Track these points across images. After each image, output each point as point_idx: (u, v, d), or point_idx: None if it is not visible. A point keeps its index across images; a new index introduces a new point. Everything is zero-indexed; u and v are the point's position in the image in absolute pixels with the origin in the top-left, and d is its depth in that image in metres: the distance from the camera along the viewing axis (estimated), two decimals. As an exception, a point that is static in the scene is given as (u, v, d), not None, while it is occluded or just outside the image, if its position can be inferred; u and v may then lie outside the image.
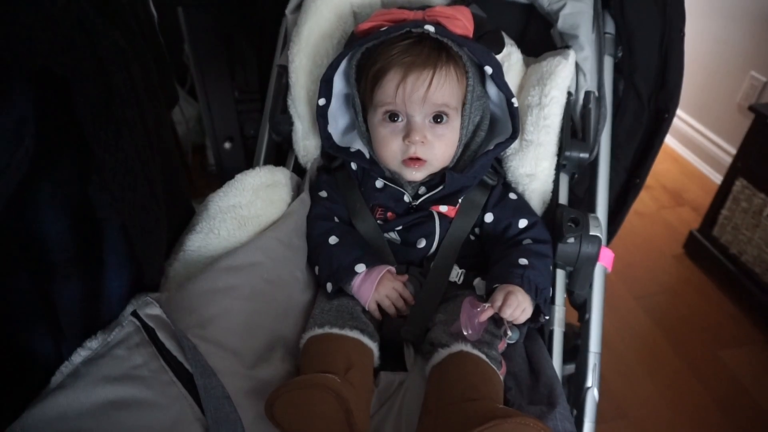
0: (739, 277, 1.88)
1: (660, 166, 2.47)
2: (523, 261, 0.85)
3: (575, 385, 0.93)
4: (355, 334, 0.80)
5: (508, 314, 0.79)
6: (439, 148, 0.90)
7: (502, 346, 0.84)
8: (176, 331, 0.70)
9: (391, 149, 0.90)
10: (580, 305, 0.98)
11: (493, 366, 0.78)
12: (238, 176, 0.91)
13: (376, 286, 0.84)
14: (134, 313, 0.74)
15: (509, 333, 0.80)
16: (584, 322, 0.96)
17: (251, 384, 0.71)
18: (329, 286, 0.86)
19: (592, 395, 0.91)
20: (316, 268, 0.90)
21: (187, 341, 0.70)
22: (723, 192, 1.97)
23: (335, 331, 0.80)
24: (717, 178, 2.41)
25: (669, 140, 2.68)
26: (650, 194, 2.38)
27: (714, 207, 2.01)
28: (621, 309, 1.87)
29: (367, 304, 0.84)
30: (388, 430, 0.77)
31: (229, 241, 0.86)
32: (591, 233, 0.90)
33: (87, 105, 0.65)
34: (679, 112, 1.10)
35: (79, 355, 0.72)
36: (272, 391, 0.66)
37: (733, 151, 2.02)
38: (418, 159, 0.89)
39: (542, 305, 0.83)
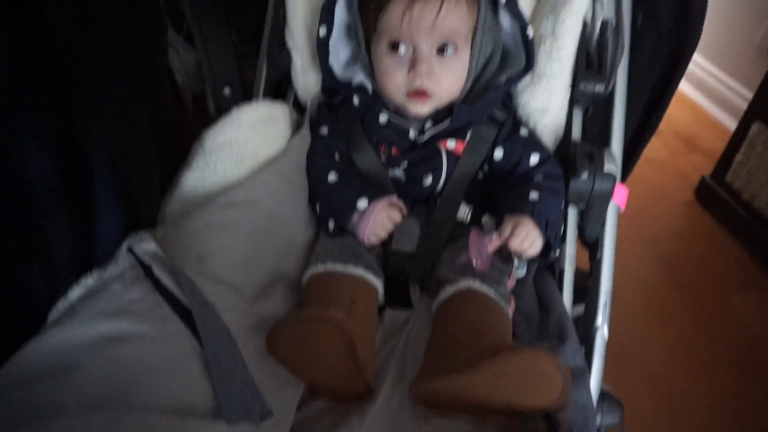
0: (752, 223, 1.84)
1: (673, 111, 2.38)
2: (534, 195, 0.81)
3: (584, 325, 0.90)
4: (359, 271, 0.78)
5: (516, 245, 0.76)
6: (446, 80, 0.85)
7: (510, 283, 0.81)
8: (173, 265, 0.68)
9: (396, 81, 0.85)
10: (591, 244, 0.94)
11: (502, 303, 0.76)
12: (235, 111, 0.87)
13: (372, 220, 0.81)
14: (130, 249, 0.71)
15: (516, 263, 0.77)
16: (595, 261, 0.93)
17: (251, 319, 0.69)
18: (330, 224, 0.83)
19: (602, 334, 0.89)
20: (317, 206, 0.87)
21: (184, 276, 0.67)
22: (738, 137, 1.90)
23: (338, 268, 0.77)
24: (731, 124, 2.33)
25: (682, 85, 2.58)
26: (662, 141, 2.31)
27: (728, 152, 1.94)
28: (629, 254, 1.84)
29: (365, 239, 0.81)
30: (393, 366, 0.75)
31: (225, 178, 0.82)
32: (605, 169, 0.85)
33: (63, 36, 0.60)
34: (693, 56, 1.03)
35: (75, 293, 0.70)
36: (273, 325, 0.64)
37: (750, 95, 1.94)
38: (423, 93, 0.84)
39: (552, 240, 0.80)
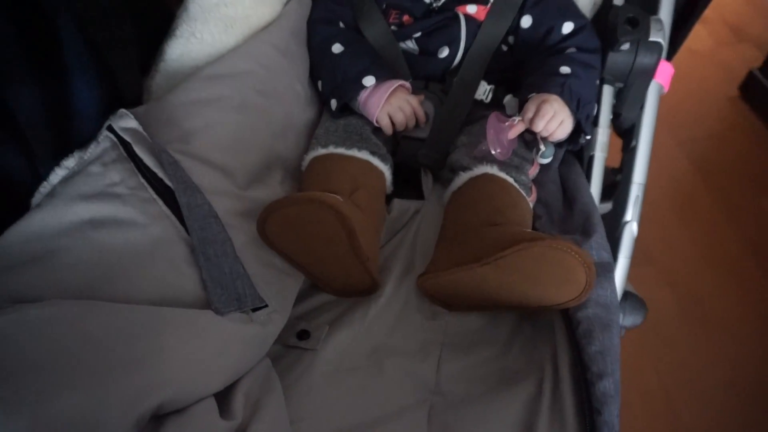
0: (799, 120, 1.69)
1: (722, -5, 2.14)
2: (565, 69, 0.71)
3: (612, 220, 0.83)
4: (364, 155, 0.70)
5: (541, 127, 0.66)
6: None
7: (533, 171, 0.73)
8: (153, 144, 0.60)
9: None
10: (625, 130, 0.84)
11: (522, 191, 0.68)
12: (221, -32, 0.75)
13: (387, 98, 0.72)
14: (109, 128, 0.64)
15: (541, 147, 0.68)
16: (629, 150, 0.83)
17: (243, 204, 0.62)
18: (333, 103, 0.74)
19: (630, 230, 0.82)
20: (319, 83, 0.77)
21: (167, 155, 0.60)
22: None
23: (341, 151, 0.69)
24: (787, 11, 2.09)
25: (737, -35, 2.30)
26: (707, 28, 2.09)
27: (782, 41, 1.75)
28: (659, 154, 1.71)
29: (375, 117, 0.73)
30: (400, 260, 0.69)
31: (214, 47, 0.72)
32: (651, 39, 0.73)
33: None
34: None
35: (57, 175, 0.64)
36: (264, 207, 0.57)
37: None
38: None
39: (583, 122, 0.70)
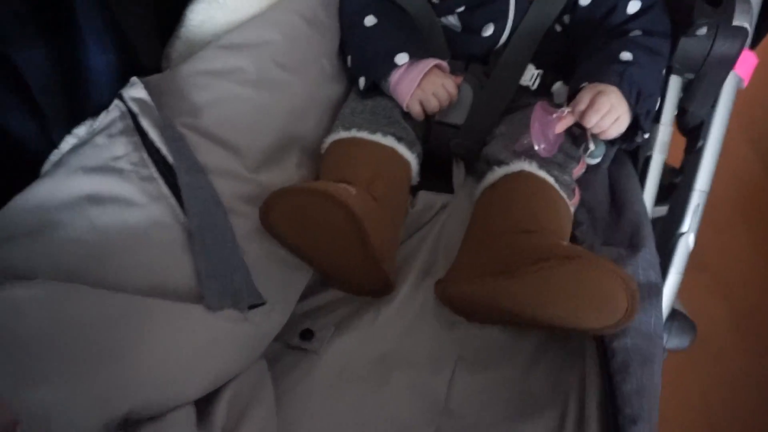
0: None
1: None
2: (627, 55, 0.61)
3: (665, 228, 0.73)
4: (388, 141, 0.63)
5: (594, 122, 0.57)
6: None
7: (578, 170, 0.64)
8: (159, 116, 0.55)
9: None
10: (691, 129, 0.73)
11: (563, 193, 0.59)
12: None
13: (420, 81, 0.64)
14: (120, 96, 0.59)
15: (591, 147, 0.59)
16: (694, 152, 0.72)
17: (253, 188, 0.56)
18: (362, 81, 0.67)
19: (686, 242, 0.72)
20: (348, 57, 0.70)
21: (172, 130, 0.55)
22: None
23: (364, 135, 0.62)
24: None
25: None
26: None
27: None
28: (726, 151, 1.56)
29: (406, 103, 0.65)
30: (420, 260, 0.62)
31: (237, 13, 0.66)
32: (735, 23, 0.62)
33: None
34: None
35: (68, 143, 0.60)
36: (269, 195, 0.52)
37: None
38: None
39: (643, 118, 0.60)
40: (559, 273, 0.46)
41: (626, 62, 0.60)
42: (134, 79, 0.59)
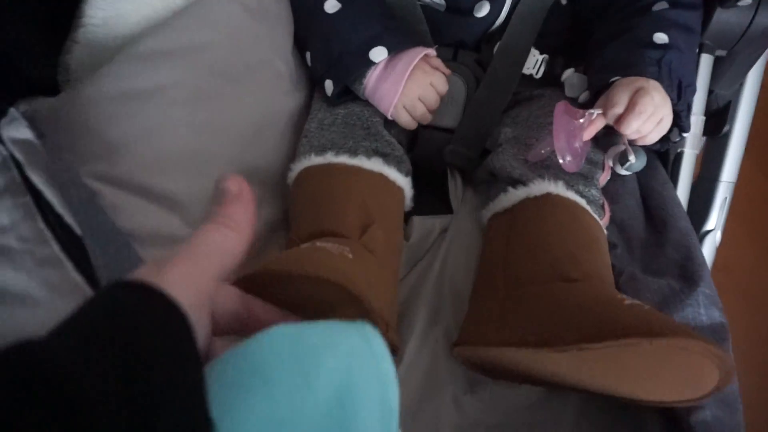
0: None
1: None
2: (661, 37, 0.48)
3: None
4: (375, 165, 0.48)
5: (634, 128, 0.45)
6: None
7: (603, 178, 0.52)
8: (57, 167, 0.39)
9: None
10: (715, 112, 0.62)
11: (594, 214, 0.47)
12: None
13: (405, 83, 0.50)
14: None
15: (631, 159, 0.47)
16: (718, 138, 0.62)
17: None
18: (329, 85, 0.51)
19: (713, 241, 0.62)
20: (308, 55, 0.54)
21: (78, 188, 0.39)
22: None
23: (343, 160, 0.48)
24: None
25: None
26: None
27: None
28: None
29: (390, 113, 0.51)
30: (425, 304, 0.50)
31: (153, 6, 0.48)
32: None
33: None
34: None
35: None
36: (243, 278, 0.36)
37: None
38: None
39: (684, 114, 0.48)
40: (632, 353, 0.34)
41: (663, 46, 0.47)
42: (13, 112, 0.42)
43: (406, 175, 0.51)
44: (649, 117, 0.45)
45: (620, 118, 0.45)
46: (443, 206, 0.56)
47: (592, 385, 0.40)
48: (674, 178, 0.57)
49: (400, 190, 0.50)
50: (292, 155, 0.51)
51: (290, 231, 0.47)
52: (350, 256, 0.39)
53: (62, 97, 0.45)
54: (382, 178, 0.49)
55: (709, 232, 0.62)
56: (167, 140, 0.43)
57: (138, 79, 0.44)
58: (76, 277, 0.37)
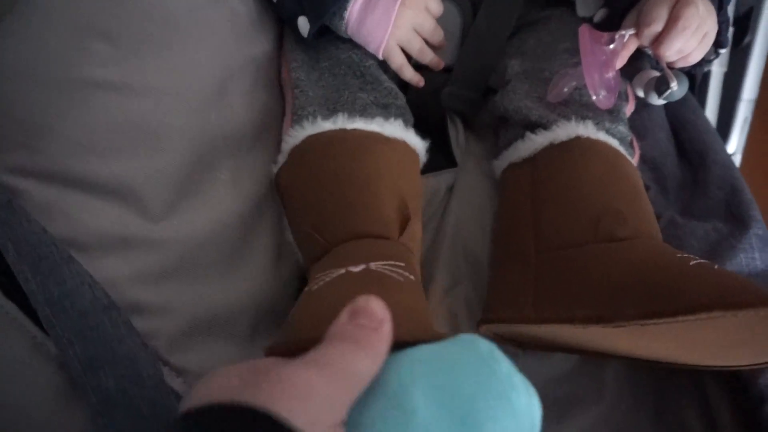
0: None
1: None
2: None
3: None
4: (395, 130, 0.38)
5: (677, 48, 0.36)
6: None
7: (628, 110, 0.44)
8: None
9: None
10: (736, 20, 0.54)
11: (627, 156, 0.39)
12: None
13: (397, 13, 0.39)
14: None
15: (673, 87, 0.38)
16: (738, 49, 0.54)
17: (168, 253, 0.32)
18: (302, 24, 0.40)
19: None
20: None
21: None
22: None
23: (360, 125, 0.37)
24: None
25: None
26: None
27: None
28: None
29: (381, 50, 0.40)
30: (442, 268, 0.42)
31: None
32: None
33: None
34: None
35: None
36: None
37: None
38: None
39: (725, 27, 0.40)
40: (708, 326, 0.27)
41: None
42: None
43: (413, 130, 0.41)
44: (693, 33, 0.36)
45: (660, 37, 0.36)
46: (443, 155, 0.47)
47: (650, 355, 0.34)
48: (701, 101, 0.49)
49: (418, 158, 0.41)
50: (267, 113, 0.41)
51: (299, 221, 0.37)
52: (411, 276, 0.30)
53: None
54: (405, 148, 0.39)
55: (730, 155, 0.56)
56: (102, 112, 0.32)
57: (63, 38, 0.32)
58: (9, 306, 0.27)
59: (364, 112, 0.37)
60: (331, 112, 0.37)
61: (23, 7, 0.33)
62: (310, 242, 0.35)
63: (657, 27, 0.36)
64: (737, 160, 0.57)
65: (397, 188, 0.36)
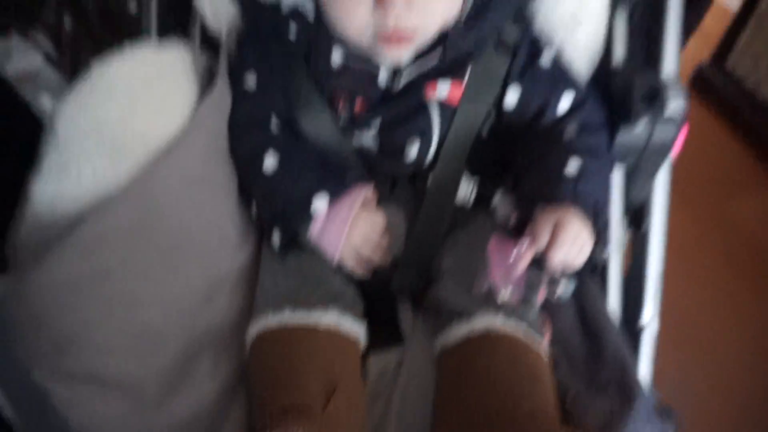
0: (756, 115, 1.56)
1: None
2: (573, 166, 0.50)
3: (624, 323, 0.63)
4: (332, 318, 0.48)
5: (560, 257, 0.46)
6: (435, 7, 0.49)
7: (541, 296, 0.53)
8: (7, 374, 0.37)
9: (357, 21, 0.49)
10: (633, 213, 0.65)
11: (536, 338, 0.48)
12: (97, 68, 0.50)
13: (348, 230, 0.50)
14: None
15: (560, 288, 0.48)
16: (639, 235, 0.64)
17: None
18: (276, 237, 0.51)
19: (651, 332, 0.63)
20: (253, 207, 0.54)
21: (29, 390, 0.37)
22: (743, 15, 1.56)
23: (300, 318, 0.47)
24: (732, 4, 1.94)
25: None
26: (651, 23, 1.93)
27: (731, 34, 1.60)
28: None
29: (336, 261, 0.51)
30: None
31: (97, 185, 0.48)
32: (670, 111, 0.54)
33: None
34: None
35: None
36: None
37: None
38: (401, 36, 0.49)
39: (603, 233, 0.50)
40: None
41: (574, 176, 0.50)
42: None
43: (359, 319, 0.50)
44: (572, 244, 0.46)
45: (545, 251, 0.46)
46: (393, 334, 0.55)
47: None
48: (604, 281, 0.58)
49: (356, 341, 0.50)
50: (248, 308, 0.50)
51: (254, 399, 0.45)
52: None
53: (7, 282, 0.43)
54: (338, 334, 0.48)
55: (644, 327, 0.63)
56: (116, 326, 0.42)
57: (81, 265, 0.43)
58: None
59: (310, 306, 0.47)
60: (278, 308, 0.47)
61: (66, 241, 0.44)
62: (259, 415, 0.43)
63: (543, 241, 0.46)
64: (655, 325, 0.64)
65: (323, 366, 0.44)
